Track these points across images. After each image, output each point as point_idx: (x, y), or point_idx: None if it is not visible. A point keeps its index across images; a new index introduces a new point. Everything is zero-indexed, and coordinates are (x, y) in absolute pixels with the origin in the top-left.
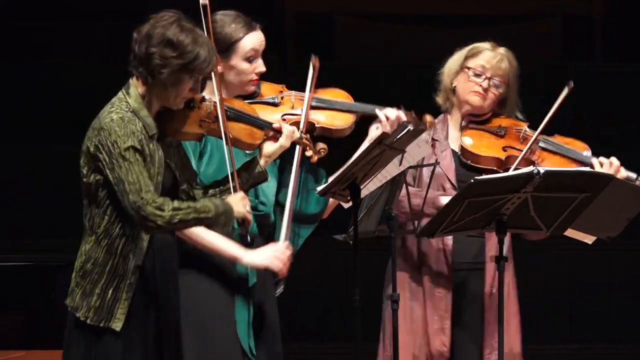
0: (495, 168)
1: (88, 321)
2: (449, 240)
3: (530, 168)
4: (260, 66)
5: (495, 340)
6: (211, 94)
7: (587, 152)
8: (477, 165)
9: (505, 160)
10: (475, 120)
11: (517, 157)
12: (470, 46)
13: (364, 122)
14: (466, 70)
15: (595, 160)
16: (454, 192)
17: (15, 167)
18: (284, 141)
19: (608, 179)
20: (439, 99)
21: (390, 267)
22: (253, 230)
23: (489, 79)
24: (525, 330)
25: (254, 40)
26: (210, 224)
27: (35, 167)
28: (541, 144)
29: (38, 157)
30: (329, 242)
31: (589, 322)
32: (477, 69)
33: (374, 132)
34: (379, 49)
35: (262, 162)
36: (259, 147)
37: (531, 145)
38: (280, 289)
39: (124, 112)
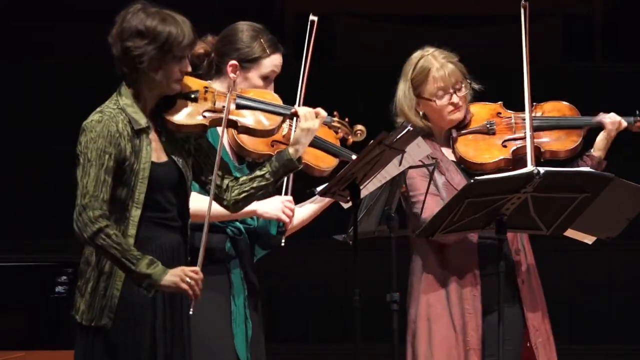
0: (505, 168)
1: (83, 322)
2: (474, 238)
3: (530, 168)
4: (269, 89)
5: (538, 322)
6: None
7: (577, 114)
8: (487, 173)
9: (512, 155)
10: (460, 127)
11: (520, 146)
12: (409, 74)
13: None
14: (426, 101)
15: (594, 121)
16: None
17: (15, 167)
18: (305, 124)
19: (608, 179)
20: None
21: (411, 272)
22: (246, 242)
23: (454, 92)
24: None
25: (275, 62)
26: (126, 274)
27: (35, 167)
28: (535, 123)
29: (38, 157)
30: (328, 243)
31: (588, 322)
32: (438, 92)
33: None
34: (379, 49)
35: (291, 150)
36: (275, 133)
37: (531, 135)
38: (283, 241)
39: (109, 110)
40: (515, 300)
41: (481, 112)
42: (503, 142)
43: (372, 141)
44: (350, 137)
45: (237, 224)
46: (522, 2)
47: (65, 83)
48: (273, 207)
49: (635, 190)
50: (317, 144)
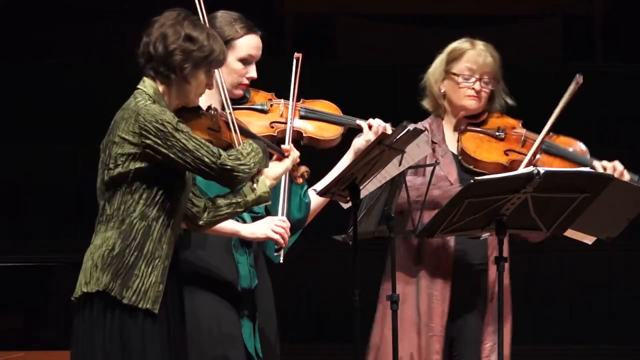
0: (495, 173)
1: (124, 300)
2: (451, 242)
3: (530, 168)
4: (252, 72)
5: (493, 343)
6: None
7: (588, 155)
8: (479, 170)
9: (509, 165)
10: (472, 122)
11: (520, 161)
12: (449, 49)
13: (350, 134)
14: (453, 76)
15: (597, 164)
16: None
17: (15, 167)
18: (289, 163)
19: (608, 179)
20: (426, 104)
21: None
22: None
23: (480, 79)
24: (525, 330)
25: (251, 42)
26: (262, 164)
27: (35, 167)
28: (543, 146)
29: (38, 157)
30: (328, 243)
31: (588, 322)
32: (465, 72)
33: (358, 143)
34: (379, 49)
35: (267, 183)
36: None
37: (536, 150)
38: (281, 258)
39: (147, 97)
40: (477, 315)
41: (498, 120)
42: (506, 151)
43: (372, 141)
44: (299, 178)
45: (244, 214)
46: (577, 77)
47: (65, 83)
48: (261, 226)
49: (635, 190)
50: (318, 116)
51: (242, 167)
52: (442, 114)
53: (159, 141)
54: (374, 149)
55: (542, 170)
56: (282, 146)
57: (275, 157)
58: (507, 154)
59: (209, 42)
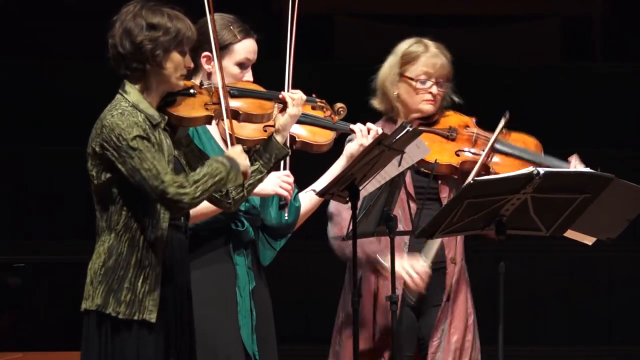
0: (448, 174)
1: (120, 316)
2: (406, 240)
3: (530, 169)
4: (248, 75)
5: (435, 341)
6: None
7: (541, 152)
8: (432, 173)
9: (460, 166)
10: (424, 123)
11: (472, 161)
12: (402, 51)
13: (341, 137)
14: (408, 79)
15: (554, 161)
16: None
17: (15, 167)
18: (293, 109)
19: (608, 179)
20: (377, 105)
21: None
22: (250, 234)
23: (436, 83)
24: (525, 330)
25: (248, 47)
26: (224, 183)
27: (35, 167)
28: (498, 145)
29: (38, 157)
30: (328, 243)
31: (588, 323)
32: (421, 76)
33: (351, 148)
34: (379, 49)
35: (278, 137)
36: (272, 117)
37: (488, 152)
38: (286, 214)
39: (124, 108)
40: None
41: (451, 118)
42: (457, 151)
43: (371, 141)
44: (334, 115)
45: (240, 216)
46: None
47: (65, 83)
48: (269, 182)
49: (635, 190)
50: (311, 121)
51: (182, 196)
52: (394, 116)
53: (115, 154)
54: (373, 150)
55: (542, 170)
56: (279, 95)
57: (281, 107)
58: (457, 155)
59: (173, 23)
